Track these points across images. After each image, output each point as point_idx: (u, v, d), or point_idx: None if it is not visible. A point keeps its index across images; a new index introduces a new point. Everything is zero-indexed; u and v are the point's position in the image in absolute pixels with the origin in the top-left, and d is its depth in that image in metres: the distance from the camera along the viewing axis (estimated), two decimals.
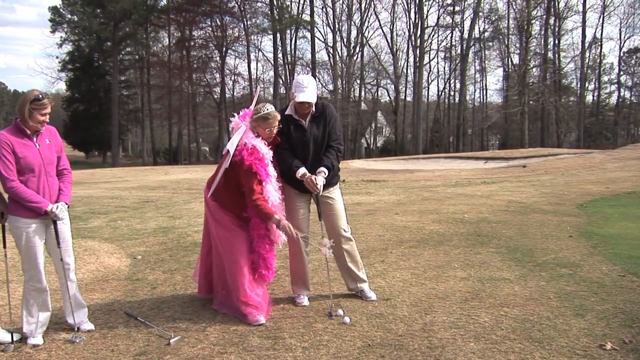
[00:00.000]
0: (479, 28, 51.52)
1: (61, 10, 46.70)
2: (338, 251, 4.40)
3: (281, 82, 49.47)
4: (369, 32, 52.29)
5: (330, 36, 50.66)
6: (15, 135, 3.58)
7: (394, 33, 52.19)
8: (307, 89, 4.13)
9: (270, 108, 4.07)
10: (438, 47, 54.84)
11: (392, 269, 5.43)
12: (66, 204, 3.72)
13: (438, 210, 9.20)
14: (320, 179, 4.14)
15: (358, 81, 51.73)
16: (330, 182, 4.31)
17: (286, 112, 4.26)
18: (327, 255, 4.15)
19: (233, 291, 4.13)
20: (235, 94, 54.07)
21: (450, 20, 51.92)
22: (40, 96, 3.58)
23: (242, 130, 4.10)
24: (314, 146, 4.26)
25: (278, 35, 46.66)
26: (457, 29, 52.82)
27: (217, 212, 4.16)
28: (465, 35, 51.07)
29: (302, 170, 4.15)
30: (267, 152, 4.05)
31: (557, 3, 46.35)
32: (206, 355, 3.43)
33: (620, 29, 52.15)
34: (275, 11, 45.45)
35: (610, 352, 3.35)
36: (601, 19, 48.82)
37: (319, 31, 50.84)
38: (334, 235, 4.38)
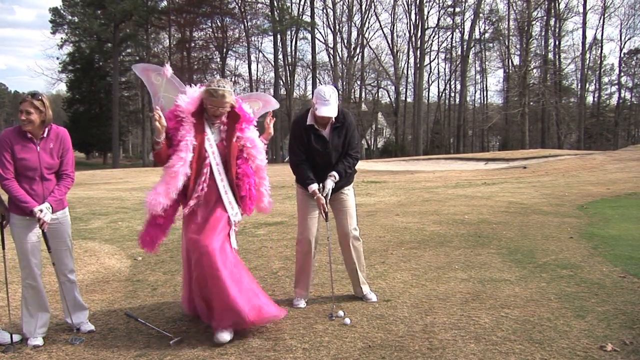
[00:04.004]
0: (480, 29, 51.59)
1: (62, 11, 46.74)
2: (346, 250, 4.43)
3: (282, 83, 49.51)
4: (369, 33, 52.32)
5: (330, 37, 50.77)
6: (17, 136, 3.58)
7: (395, 34, 52.24)
8: (330, 103, 4.10)
9: (223, 86, 3.76)
10: (438, 48, 54.92)
11: (393, 270, 5.43)
12: (51, 205, 3.59)
13: (438, 212, 9.20)
14: (329, 182, 4.18)
15: (358, 82, 51.72)
16: (347, 181, 4.38)
17: (307, 123, 4.21)
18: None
19: (226, 312, 3.60)
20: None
21: (451, 22, 51.98)
22: (23, 95, 3.57)
23: (161, 82, 3.92)
24: (335, 156, 4.27)
25: (278, 36, 46.65)
26: (457, 30, 52.87)
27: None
28: (466, 37, 51.08)
29: (314, 187, 4.17)
30: (187, 116, 3.73)
31: (557, 4, 46.38)
32: (206, 357, 3.43)
33: (620, 30, 52.31)
34: (275, 12, 45.44)
35: (611, 353, 3.34)
36: (602, 20, 48.89)
37: (320, 32, 50.89)
38: (344, 233, 4.40)
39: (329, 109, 4.10)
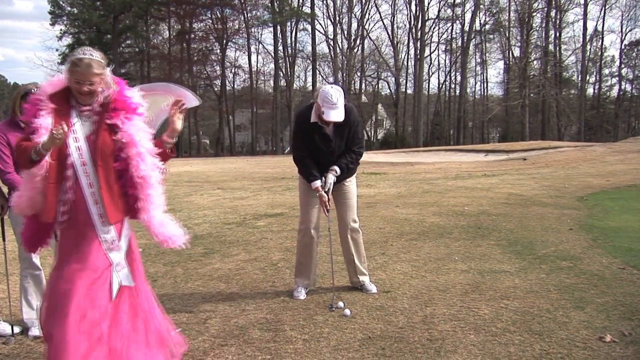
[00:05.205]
0: (480, 21, 51.37)
1: (61, 2, 46.53)
2: (345, 241, 4.45)
3: (281, 74, 49.42)
4: (369, 24, 52.13)
5: (330, 28, 50.60)
6: (11, 127, 3.58)
7: (395, 25, 52.08)
8: (338, 107, 4.02)
9: (90, 54, 2.75)
10: (439, 39, 54.70)
11: (393, 262, 5.44)
12: None
13: (438, 203, 9.20)
14: (330, 177, 4.19)
15: (358, 74, 51.62)
16: (349, 174, 4.40)
17: (311, 120, 4.16)
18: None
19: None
20: (235, 86, 54.08)
21: (451, 13, 51.73)
22: (33, 91, 3.46)
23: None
24: (337, 153, 4.27)
25: (278, 27, 46.52)
26: (458, 22, 52.66)
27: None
28: (466, 28, 50.90)
29: (317, 184, 4.18)
30: (44, 100, 2.72)
31: None
32: (207, 348, 3.44)
33: (621, 22, 51.88)
34: (275, 3, 45.28)
35: (610, 344, 3.35)
36: (602, 12, 48.68)
37: (320, 23, 50.73)
38: (343, 224, 4.43)
39: (337, 113, 4.04)
